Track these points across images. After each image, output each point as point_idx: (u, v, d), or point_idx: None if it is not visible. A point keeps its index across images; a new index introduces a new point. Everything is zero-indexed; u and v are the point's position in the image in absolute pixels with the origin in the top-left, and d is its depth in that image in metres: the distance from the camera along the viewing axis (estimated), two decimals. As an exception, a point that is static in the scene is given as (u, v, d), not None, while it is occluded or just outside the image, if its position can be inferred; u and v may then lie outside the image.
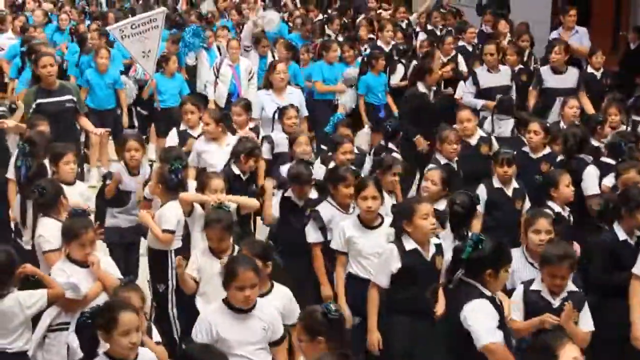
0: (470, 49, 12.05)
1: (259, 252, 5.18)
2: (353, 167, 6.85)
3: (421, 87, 9.48)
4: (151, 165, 7.57)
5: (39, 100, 8.44)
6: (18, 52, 11.38)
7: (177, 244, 6.39)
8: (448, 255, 5.33)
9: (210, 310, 4.92)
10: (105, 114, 10.39)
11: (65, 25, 12.81)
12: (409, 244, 5.46)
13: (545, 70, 9.99)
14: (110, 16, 13.55)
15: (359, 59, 11.13)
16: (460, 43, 12.25)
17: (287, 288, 5.29)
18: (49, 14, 13.51)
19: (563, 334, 4.42)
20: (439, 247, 5.56)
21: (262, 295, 5.00)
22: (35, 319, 5.29)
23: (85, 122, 8.84)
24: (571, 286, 5.15)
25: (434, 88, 9.70)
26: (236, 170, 7.17)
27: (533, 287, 5.21)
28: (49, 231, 5.81)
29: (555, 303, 5.06)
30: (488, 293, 4.67)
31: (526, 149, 7.74)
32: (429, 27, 13.68)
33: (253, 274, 4.76)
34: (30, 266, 5.44)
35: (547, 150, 7.73)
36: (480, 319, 4.56)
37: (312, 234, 6.33)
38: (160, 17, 10.21)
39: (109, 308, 4.48)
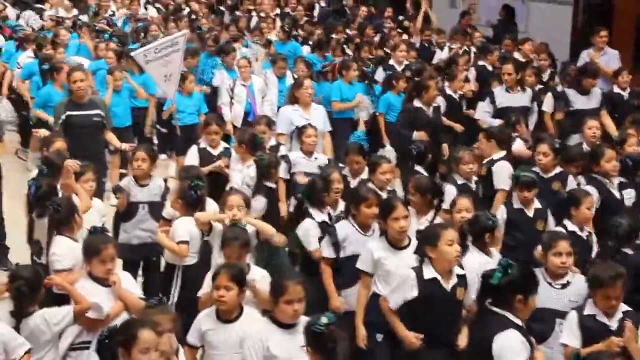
0: (490, 69, 12.09)
1: (235, 274, 5.15)
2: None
3: (417, 103, 9.52)
4: (165, 180, 7.60)
5: (68, 113, 8.77)
6: (34, 71, 11.46)
7: (190, 260, 6.43)
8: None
9: (257, 328, 4.92)
10: (123, 131, 10.52)
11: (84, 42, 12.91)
12: (429, 272, 5.38)
13: (571, 92, 9.96)
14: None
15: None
16: (481, 62, 12.26)
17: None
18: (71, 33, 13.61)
19: (616, 354, 4.45)
20: (462, 278, 5.44)
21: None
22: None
23: (111, 137, 9.08)
24: (623, 306, 5.13)
25: (435, 104, 9.70)
26: (269, 184, 7.35)
27: (586, 311, 5.18)
28: (62, 250, 5.86)
29: (613, 325, 5.04)
30: (518, 322, 4.61)
31: (536, 168, 7.65)
32: (453, 46, 13.69)
33: (301, 287, 4.81)
34: (58, 278, 5.50)
35: (558, 169, 7.66)
36: (511, 357, 4.47)
37: (325, 249, 6.33)
38: (181, 40, 10.24)
39: (129, 325, 4.52)
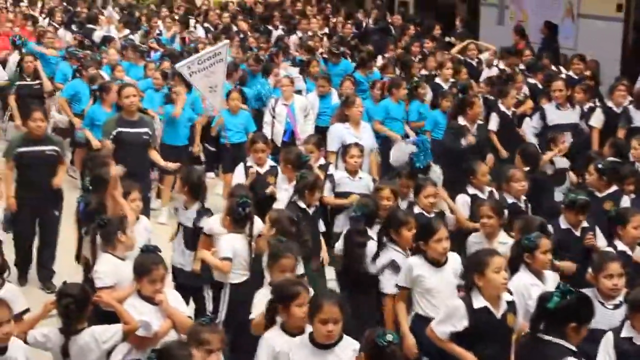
0: (541, 87, 11.99)
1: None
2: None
3: (461, 120, 9.53)
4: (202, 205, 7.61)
5: (119, 129, 8.90)
6: (79, 90, 11.59)
7: (236, 278, 6.45)
8: None
9: (294, 343, 4.92)
10: (181, 150, 10.68)
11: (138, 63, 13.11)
12: (478, 302, 5.31)
13: (631, 108, 9.90)
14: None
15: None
16: (532, 80, 12.20)
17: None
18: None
19: None
20: (511, 304, 5.37)
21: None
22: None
23: (155, 156, 9.19)
24: None
25: (478, 122, 9.68)
26: (302, 204, 7.27)
27: (623, 334, 5.07)
28: (104, 267, 5.92)
29: None
30: (573, 348, 4.55)
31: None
32: (501, 66, 13.60)
33: (338, 309, 4.76)
34: (106, 296, 5.57)
35: (613, 188, 7.58)
36: None
37: (389, 285, 6.23)
38: (224, 50, 10.31)
39: (175, 346, 4.57)
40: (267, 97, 11.49)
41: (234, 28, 17.52)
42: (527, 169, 8.09)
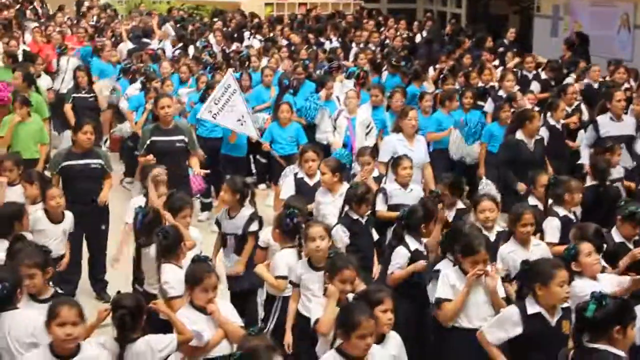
0: (596, 86, 11.84)
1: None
2: None
3: (519, 135, 9.44)
4: (254, 213, 7.60)
5: (153, 138, 9.08)
6: (140, 103, 11.80)
7: (289, 291, 6.44)
8: None
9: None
10: (239, 161, 10.79)
11: (185, 77, 13.28)
12: (533, 308, 5.30)
13: None
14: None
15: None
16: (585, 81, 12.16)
17: (397, 335, 5.27)
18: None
19: None
20: (566, 310, 5.35)
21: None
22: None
23: (193, 162, 9.31)
24: None
25: (537, 136, 9.56)
26: (354, 216, 7.25)
27: None
28: (173, 277, 5.98)
29: None
30: (621, 353, 4.51)
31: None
32: (543, 76, 13.52)
33: (374, 322, 4.79)
34: (162, 306, 5.64)
35: None
36: None
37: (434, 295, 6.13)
38: (231, 81, 10.39)
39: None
40: (308, 113, 11.57)
41: (285, 41, 17.67)
42: (594, 183, 8.07)
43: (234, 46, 17.20)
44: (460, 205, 7.64)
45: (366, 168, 8.44)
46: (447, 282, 5.87)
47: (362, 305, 4.97)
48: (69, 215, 7.71)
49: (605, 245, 6.39)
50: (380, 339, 5.08)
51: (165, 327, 5.55)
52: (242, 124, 10.36)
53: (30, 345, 5.09)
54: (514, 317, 5.31)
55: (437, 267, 6.20)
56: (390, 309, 5.07)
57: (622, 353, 4.51)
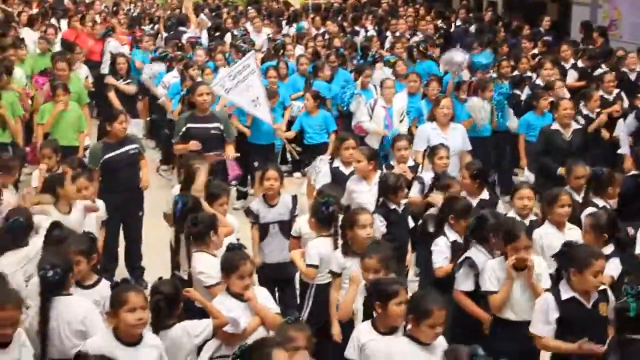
0: (633, 77, 11.69)
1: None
2: None
3: (554, 125, 9.41)
4: (294, 197, 7.68)
5: (188, 125, 9.12)
6: (178, 90, 11.79)
7: (321, 280, 6.47)
8: None
9: (399, 345, 4.98)
10: (269, 148, 10.80)
11: (221, 64, 13.30)
12: (566, 293, 5.31)
13: None
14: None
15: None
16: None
17: None
18: (227, 53, 14.10)
19: None
20: (603, 293, 5.35)
21: None
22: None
23: (228, 150, 9.33)
24: None
25: (577, 126, 9.50)
26: (391, 205, 7.25)
27: None
28: (208, 266, 6.01)
29: None
30: None
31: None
32: (580, 64, 13.32)
33: (445, 312, 4.90)
34: (195, 292, 5.66)
35: None
36: None
37: (464, 282, 6.17)
38: (252, 61, 10.37)
39: (263, 344, 4.56)
40: (344, 100, 11.56)
41: (322, 29, 17.65)
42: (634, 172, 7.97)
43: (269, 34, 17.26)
44: (484, 195, 7.54)
45: (401, 154, 8.43)
46: (493, 274, 5.86)
47: (435, 295, 5.05)
48: (100, 204, 7.67)
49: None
50: (392, 330, 5.14)
51: (203, 313, 5.57)
52: (255, 106, 10.33)
53: (78, 333, 5.15)
54: (550, 303, 5.31)
55: (466, 255, 6.19)
56: (405, 301, 5.08)
57: None
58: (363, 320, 5.45)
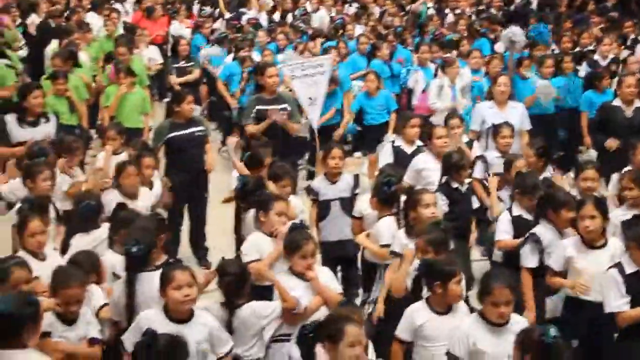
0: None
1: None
2: None
3: (616, 101, 9.26)
4: (356, 176, 7.66)
5: (258, 107, 9.10)
6: (235, 72, 11.90)
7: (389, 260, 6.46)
8: None
9: (466, 323, 4.97)
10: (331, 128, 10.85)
11: (283, 45, 13.33)
12: (630, 267, 5.31)
13: None
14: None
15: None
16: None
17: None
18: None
19: None
20: None
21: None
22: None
23: (292, 129, 9.29)
24: None
25: (638, 104, 9.29)
26: (453, 184, 7.20)
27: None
28: (249, 244, 6.10)
29: None
30: None
31: None
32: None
33: (509, 291, 4.80)
34: (269, 272, 5.71)
35: None
36: None
37: (529, 257, 6.17)
38: (327, 64, 10.37)
39: (336, 320, 4.62)
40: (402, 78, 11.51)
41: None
42: None
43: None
44: (547, 173, 7.46)
45: (455, 132, 8.33)
46: (563, 254, 5.85)
47: (497, 272, 5.11)
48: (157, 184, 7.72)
49: None
50: (449, 309, 5.16)
51: (265, 293, 5.65)
52: (310, 104, 10.33)
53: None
54: (617, 278, 5.30)
55: (531, 231, 6.15)
56: (461, 279, 5.09)
57: None
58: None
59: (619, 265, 5.33)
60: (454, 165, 7.19)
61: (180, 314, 4.93)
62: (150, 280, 5.25)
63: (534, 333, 4.32)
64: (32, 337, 4.14)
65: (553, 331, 4.27)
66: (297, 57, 11.57)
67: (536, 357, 4.22)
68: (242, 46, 12.42)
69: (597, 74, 10.53)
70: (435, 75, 11.25)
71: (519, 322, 4.86)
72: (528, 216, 6.51)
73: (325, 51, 12.08)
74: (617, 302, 5.32)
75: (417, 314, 5.18)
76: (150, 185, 7.51)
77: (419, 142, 8.34)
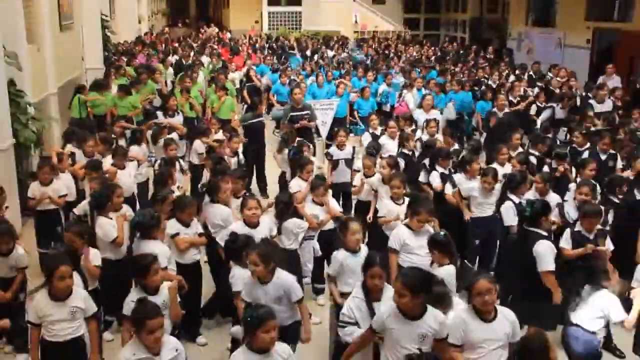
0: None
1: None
2: None
3: (495, 108, 8.80)
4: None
5: (291, 114, 8.81)
6: (279, 91, 11.94)
7: (363, 197, 6.23)
8: None
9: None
10: (341, 120, 10.48)
11: (322, 81, 11.74)
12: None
13: None
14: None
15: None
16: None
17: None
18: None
19: None
20: None
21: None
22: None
23: (310, 125, 8.96)
24: None
25: (507, 110, 8.79)
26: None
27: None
28: (295, 183, 5.83)
29: None
30: None
31: None
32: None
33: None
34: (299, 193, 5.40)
35: None
36: None
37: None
38: (334, 105, 10.04)
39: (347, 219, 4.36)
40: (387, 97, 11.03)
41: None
42: None
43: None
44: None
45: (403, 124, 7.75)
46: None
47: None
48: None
49: None
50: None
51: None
52: (322, 125, 9.92)
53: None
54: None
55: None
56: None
57: None
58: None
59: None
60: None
61: (254, 225, 4.74)
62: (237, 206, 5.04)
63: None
64: (160, 235, 4.46)
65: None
66: (319, 95, 11.24)
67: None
68: (283, 72, 12.47)
69: (486, 92, 10.42)
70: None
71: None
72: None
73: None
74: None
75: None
76: (236, 154, 7.48)
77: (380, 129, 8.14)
